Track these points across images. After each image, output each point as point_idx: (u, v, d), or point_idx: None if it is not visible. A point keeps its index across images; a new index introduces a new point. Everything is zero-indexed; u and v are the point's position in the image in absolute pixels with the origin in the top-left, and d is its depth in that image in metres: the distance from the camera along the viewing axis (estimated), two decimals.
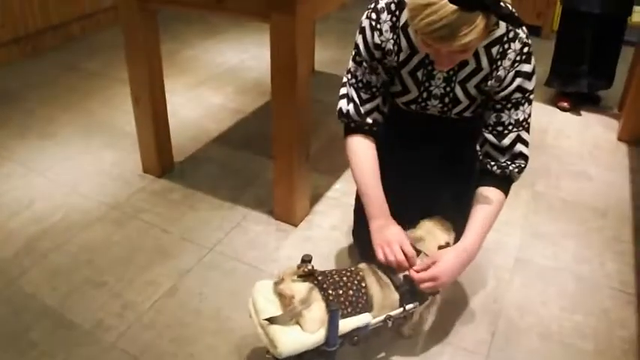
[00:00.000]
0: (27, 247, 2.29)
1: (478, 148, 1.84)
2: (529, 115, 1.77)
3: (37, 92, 3.52)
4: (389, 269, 1.73)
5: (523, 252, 2.37)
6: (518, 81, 1.70)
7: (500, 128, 1.76)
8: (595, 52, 3.40)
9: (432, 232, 1.78)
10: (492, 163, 1.80)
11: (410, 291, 1.71)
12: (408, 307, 1.72)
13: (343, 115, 1.88)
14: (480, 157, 1.83)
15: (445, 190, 1.95)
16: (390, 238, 1.72)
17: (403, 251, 1.69)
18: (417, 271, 1.67)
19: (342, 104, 1.87)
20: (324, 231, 2.44)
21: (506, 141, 1.77)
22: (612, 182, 2.88)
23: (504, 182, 1.82)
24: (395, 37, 1.71)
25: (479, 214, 1.77)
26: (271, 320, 1.56)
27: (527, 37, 1.65)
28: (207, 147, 3.02)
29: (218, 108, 3.41)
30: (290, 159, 2.29)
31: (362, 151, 1.87)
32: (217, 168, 2.83)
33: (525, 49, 1.67)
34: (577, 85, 3.48)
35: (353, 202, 2.20)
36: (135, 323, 1.98)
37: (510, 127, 1.76)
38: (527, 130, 1.78)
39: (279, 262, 2.26)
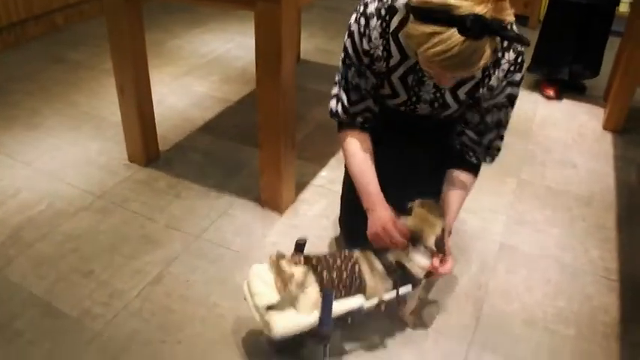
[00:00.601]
0: (12, 237, 2.28)
1: (455, 136, 1.88)
2: (510, 116, 1.82)
3: (22, 83, 3.50)
4: (382, 255, 1.75)
5: (508, 239, 2.39)
6: (508, 90, 1.72)
7: (482, 127, 1.82)
8: (581, 41, 3.41)
9: (426, 220, 1.78)
10: (470, 154, 1.87)
11: (403, 275, 1.73)
12: (402, 291, 1.74)
13: (334, 115, 1.89)
14: (457, 146, 1.88)
15: (424, 168, 1.96)
16: (381, 223, 1.76)
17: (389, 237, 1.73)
18: (437, 267, 1.76)
19: (332, 104, 1.88)
20: (311, 218, 2.45)
21: (486, 139, 1.84)
22: (597, 171, 2.90)
23: (477, 167, 1.91)
24: (384, 42, 1.68)
25: (455, 199, 1.86)
26: (270, 307, 1.59)
27: (521, 46, 1.62)
28: (192, 136, 3.02)
29: (204, 97, 3.41)
30: (276, 147, 2.29)
31: (355, 144, 1.87)
32: (203, 157, 2.83)
33: (519, 59, 1.66)
34: (559, 73, 3.50)
35: (339, 189, 2.21)
36: (122, 311, 1.98)
37: (491, 127, 1.82)
38: (506, 128, 1.84)
39: (265, 249, 2.26)
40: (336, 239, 2.31)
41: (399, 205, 1.83)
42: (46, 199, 2.49)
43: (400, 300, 1.79)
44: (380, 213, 1.79)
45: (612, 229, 2.49)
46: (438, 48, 1.37)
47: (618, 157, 3.02)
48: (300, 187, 2.62)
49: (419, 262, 1.75)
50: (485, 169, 1.91)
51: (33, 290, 2.05)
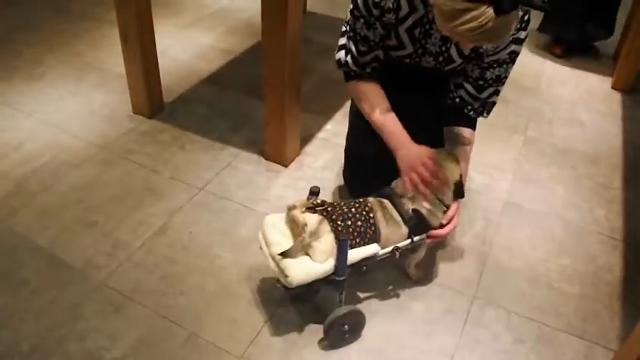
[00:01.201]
0: (16, 188, 2.28)
1: (453, 89, 1.90)
2: (509, 72, 1.83)
3: (24, 34, 3.45)
4: (398, 202, 1.76)
5: (513, 196, 2.38)
6: (512, 47, 1.73)
7: (481, 82, 1.83)
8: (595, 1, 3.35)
9: (446, 166, 1.78)
10: (469, 108, 1.89)
11: (418, 224, 1.75)
12: (416, 238, 1.76)
13: (343, 65, 1.87)
14: (456, 99, 1.89)
15: (423, 118, 1.95)
16: (422, 157, 1.76)
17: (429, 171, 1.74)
18: (443, 226, 1.79)
19: (341, 55, 1.87)
20: (315, 171, 2.44)
21: (485, 94, 1.86)
22: (604, 130, 2.87)
23: (475, 121, 1.94)
24: None
25: (462, 155, 1.88)
26: (284, 254, 1.60)
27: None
28: (197, 87, 2.99)
29: (208, 49, 3.37)
30: (280, 99, 2.27)
31: (369, 91, 1.87)
32: (207, 108, 2.81)
33: (526, 17, 1.66)
34: (569, 32, 3.43)
35: (344, 142, 2.20)
36: (125, 262, 1.99)
37: (491, 82, 1.83)
38: (504, 84, 1.86)
39: (269, 201, 2.26)
40: (341, 192, 2.31)
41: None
42: (49, 151, 2.48)
43: (415, 248, 1.82)
44: (415, 147, 1.79)
45: (618, 189, 2.47)
46: (471, 25, 1.36)
47: (626, 117, 2.99)
48: (305, 140, 2.60)
49: (435, 210, 1.77)
50: (491, 126, 1.90)
51: (37, 241, 2.06)
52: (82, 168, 2.39)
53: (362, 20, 1.74)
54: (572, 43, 3.53)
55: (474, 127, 1.95)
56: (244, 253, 2.04)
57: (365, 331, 1.80)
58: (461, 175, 1.79)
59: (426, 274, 2.00)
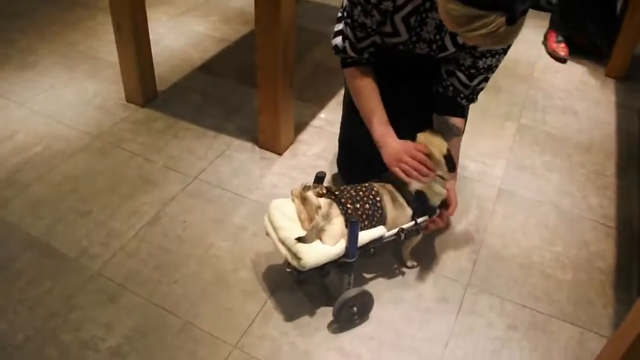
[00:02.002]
0: (9, 179, 2.27)
1: (445, 77, 1.89)
2: (501, 62, 1.83)
3: (17, 22, 3.43)
4: (401, 185, 1.78)
5: (507, 183, 2.39)
6: None
7: (473, 71, 1.82)
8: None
9: (431, 142, 1.80)
10: (461, 96, 1.89)
11: (421, 206, 1.78)
12: (420, 220, 1.79)
13: (340, 51, 1.87)
14: (449, 88, 1.89)
15: (412, 104, 1.97)
16: (403, 149, 1.77)
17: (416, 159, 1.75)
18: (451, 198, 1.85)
19: (338, 41, 1.86)
20: (309, 159, 2.44)
21: (475, 81, 1.86)
22: (598, 117, 2.88)
23: (465, 109, 1.98)
24: None
25: (453, 144, 1.89)
26: (299, 239, 1.61)
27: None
28: (191, 76, 2.98)
29: (202, 37, 3.36)
30: (274, 87, 2.26)
31: (363, 85, 1.88)
32: (201, 97, 2.80)
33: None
34: (581, 36, 3.38)
35: (338, 130, 2.20)
36: (119, 251, 1.99)
37: (482, 71, 1.83)
38: (494, 72, 1.86)
39: (263, 189, 2.26)
40: (335, 180, 2.30)
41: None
42: (42, 141, 2.47)
43: (419, 229, 1.84)
44: (396, 142, 1.81)
45: (612, 177, 2.48)
46: (481, 31, 1.36)
47: (620, 105, 2.99)
48: (299, 128, 2.60)
49: (436, 188, 1.79)
50: (485, 113, 1.90)
51: (31, 231, 2.05)
52: (76, 157, 2.39)
53: (359, 8, 1.73)
54: (579, 47, 3.44)
55: (464, 116, 1.96)
56: (238, 242, 2.04)
57: (329, 329, 1.80)
58: (448, 149, 1.80)
59: (419, 262, 2.01)
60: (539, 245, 2.12)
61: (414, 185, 1.76)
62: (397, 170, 1.76)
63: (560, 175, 2.46)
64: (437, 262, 2.02)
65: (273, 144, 2.44)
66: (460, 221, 2.19)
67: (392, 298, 1.87)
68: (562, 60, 3.34)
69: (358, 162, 2.07)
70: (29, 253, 1.97)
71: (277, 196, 2.09)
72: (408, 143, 1.79)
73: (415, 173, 1.73)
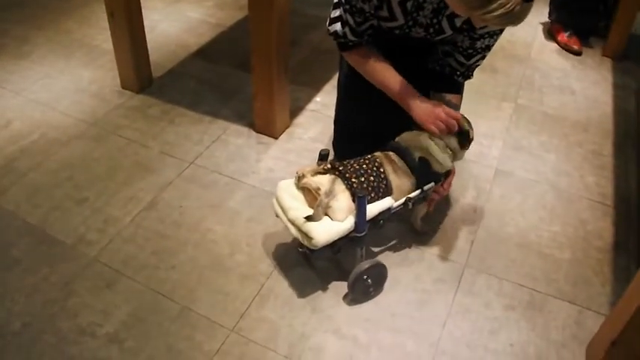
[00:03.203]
0: (6, 167, 2.27)
1: (442, 56, 1.90)
2: (497, 41, 1.85)
3: (11, 11, 3.42)
4: (404, 152, 1.79)
5: (504, 164, 2.38)
6: None
7: (471, 51, 1.83)
8: None
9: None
10: (458, 74, 1.91)
11: (425, 173, 1.79)
12: (426, 187, 1.80)
13: (340, 37, 1.87)
14: (445, 67, 1.91)
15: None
16: (433, 110, 1.79)
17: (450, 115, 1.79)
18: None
19: (337, 27, 1.85)
20: (305, 142, 2.44)
21: (472, 60, 1.87)
22: (595, 97, 2.87)
23: (461, 87, 1.99)
24: None
25: None
26: (308, 218, 1.62)
27: None
28: (186, 62, 2.97)
29: (197, 23, 3.34)
30: (269, 71, 2.26)
31: (370, 55, 1.88)
32: (196, 82, 2.79)
33: None
34: (586, 20, 3.32)
35: (333, 114, 2.19)
36: (116, 237, 1.99)
37: (480, 50, 1.84)
38: (490, 50, 1.87)
39: (259, 174, 2.26)
40: None
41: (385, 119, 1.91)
42: (38, 129, 2.47)
43: (426, 197, 1.85)
44: (424, 100, 1.82)
45: (609, 156, 2.47)
46: (499, 12, 1.34)
47: (617, 84, 2.98)
48: (295, 112, 2.60)
49: (441, 157, 1.81)
50: (482, 94, 1.90)
51: (28, 219, 2.05)
52: (72, 145, 2.38)
53: None
54: (586, 32, 3.38)
55: (461, 92, 1.97)
56: (235, 226, 2.04)
57: (345, 301, 1.82)
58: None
59: (429, 226, 2.05)
60: (536, 225, 2.12)
61: (417, 153, 1.79)
62: (433, 128, 1.78)
63: (557, 155, 2.45)
64: (434, 242, 2.02)
65: (269, 128, 2.43)
66: (458, 201, 2.18)
67: (389, 279, 1.86)
68: (577, 53, 3.26)
69: (354, 144, 2.06)
70: (26, 240, 1.97)
71: (274, 180, 2.09)
72: (433, 101, 1.82)
73: (446, 130, 1.77)
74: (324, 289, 1.84)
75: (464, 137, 1.84)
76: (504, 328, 1.76)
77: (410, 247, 1.99)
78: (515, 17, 1.37)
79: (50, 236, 1.99)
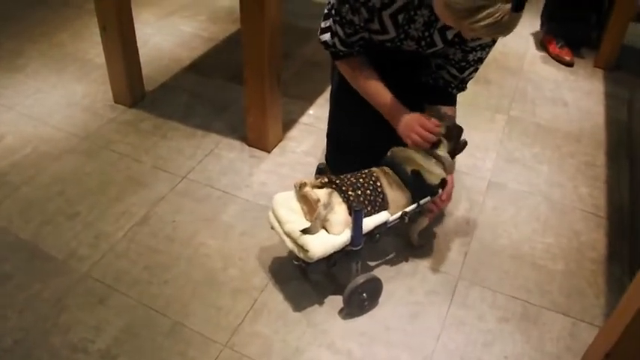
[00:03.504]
0: None
1: (434, 69, 1.91)
2: (489, 53, 1.84)
3: (4, 25, 3.42)
4: (399, 167, 1.80)
5: (497, 176, 2.38)
6: None
7: (463, 64, 1.83)
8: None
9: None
10: (452, 86, 1.91)
11: (420, 186, 1.79)
12: (422, 202, 1.80)
13: (330, 47, 1.87)
14: (439, 80, 1.91)
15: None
16: (414, 120, 1.80)
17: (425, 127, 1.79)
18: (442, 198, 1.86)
19: (327, 38, 1.86)
20: (298, 156, 2.43)
21: (466, 73, 1.87)
22: (587, 108, 2.87)
23: (456, 98, 1.98)
24: None
25: None
26: (304, 231, 1.62)
27: None
28: (178, 76, 2.97)
29: (190, 37, 3.35)
30: (261, 84, 2.26)
31: (360, 65, 1.88)
32: (189, 96, 2.79)
33: None
34: (577, 29, 3.31)
35: (326, 127, 2.19)
36: (108, 252, 1.98)
37: (472, 63, 1.84)
38: (483, 62, 1.87)
39: (252, 187, 2.25)
40: None
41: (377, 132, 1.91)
42: (31, 143, 2.46)
43: (421, 212, 1.86)
44: (408, 115, 1.82)
45: (602, 167, 2.48)
46: (487, 21, 1.35)
47: (609, 95, 2.99)
48: (288, 125, 2.59)
49: (433, 168, 1.81)
50: (474, 106, 1.90)
51: (20, 234, 2.04)
52: (64, 159, 2.37)
53: (347, 5, 1.72)
54: (577, 43, 3.37)
55: (454, 104, 1.97)
56: (228, 241, 2.03)
57: (340, 315, 1.81)
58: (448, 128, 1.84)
59: (425, 240, 2.05)
60: (530, 237, 2.12)
61: (408, 167, 1.79)
62: (409, 142, 1.79)
63: (550, 167, 2.46)
64: (427, 255, 2.02)
65: (262, 142, 2.43)
66: (451, 213, 2.18)
67: (382, 293, 1.86)
68: (569, 64, 3.26)
69: (347, 158, 2.06)
70: (18, 255, 1.96)
71: (267, 193, 2.09)
72: (417, 114, 1.82)
73: (425, 145, 1.78)
74: (319, 303, 1.83)
75: (452, 145, 1.85)
76: (498, 341, 1.76)
77: (403, 260, 1.99)
78: (504, 27, 1.37)
79: (42, 251, 1.98)
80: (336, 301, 1.83)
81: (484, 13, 1.33)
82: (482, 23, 1.35)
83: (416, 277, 1.94)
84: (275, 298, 1.85)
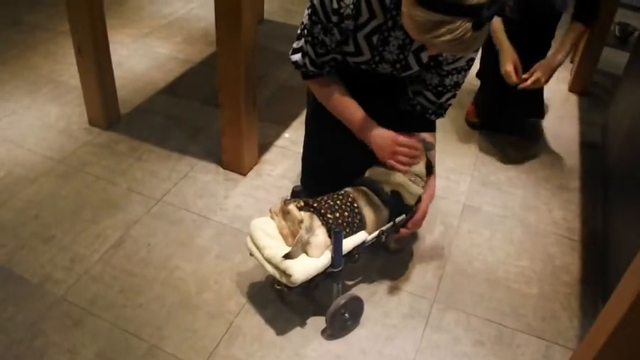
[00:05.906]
0: None
1: (412, 96, 1.91)
2: (466, 77, 1.85)
3: None
4: (376, 187, 1.81)
5: (471, 199, 2.40)
6: (471, 54, 1.74)
7: (440, 89, 1.84)
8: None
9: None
10: (430, 112, 1.91)
11: (398, 205, 1.81)
12: (398, 220, 1.82)
13: (300, 67, 1.86)
14: (416, 107, 1.91)
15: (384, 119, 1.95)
16: (390, 139, 1.79)
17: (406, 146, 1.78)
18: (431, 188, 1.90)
19: (298, 58, 1.85)
20: (274, 179, 2.44)
21: (444, 98, 1.88)
22: (562, 132, 2.91)
23: (435, 124, 1.98)
24: (355, 1, 1.64)
25: (432, 158, 1.93)
26: (286, 256, 1.63)
27: None
28: (154, 98, 2.96)
29: (166, 59, 3.35)
30: (237, 107, 2.26)
31: (330, 85, 1.88)
32: (165, 119, 2.79)
33: None
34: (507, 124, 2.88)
35: (301, 150, 2.19)
36: (83, 276, 1.96)
37: (449, 88, 1.85)
38: (460, 87, 1.88)
39: (227, 210, 2.25)
40: None
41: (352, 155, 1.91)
42: (4, 167, 2.44)
43: (398, 228, 1.86)
44: (381, 132, 1.82)
45: (576, 191, 2.51)
46: (447, 37, 1.35)
47: (583, 120, 3.03)
48: (263, 148, 2.60)
49: (412, 188, 1.84)
50: (449, 130, 1.91)
51: None
52: (38, 182, 2.36)
53: (319, 26, 1.72)
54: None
55: (434, 130, 1.98)
56: (203, 264, 2.03)
57: (324, 336, 1.82)
58: (427, 156, 1.87)
59: (401, 246, 2.10)
60: (504, 260, 2.13)
61: (386, 187, 1.81)
62: (391, 164, 1.78)
63: (524, 191, 2.48)
64: (402, 278, 2.02)
65: (237, 165, 2.43)
66: (425, 237, 2.19)
67: None
68: (474, 125, 2.90)
69: (322, 181, 2.06)
70: None
71: (242, 217, 2.09)
72: (392, 133, 1.80)
73: (405, 168, 1.78)
74: (295, 326, 1.83)
75: (429, 165, 1.88)
76: None
77: (378, 282, 2.00)
78: (466, 45, 1.38)
79: (16, 275, 1.96)
80: (313, 323, 1.83)
81: (445, 29, 1.34)
82: (443, 38, 1.36)
83: (391, 299, 1.94)
84: (250, 322, 1.84)
